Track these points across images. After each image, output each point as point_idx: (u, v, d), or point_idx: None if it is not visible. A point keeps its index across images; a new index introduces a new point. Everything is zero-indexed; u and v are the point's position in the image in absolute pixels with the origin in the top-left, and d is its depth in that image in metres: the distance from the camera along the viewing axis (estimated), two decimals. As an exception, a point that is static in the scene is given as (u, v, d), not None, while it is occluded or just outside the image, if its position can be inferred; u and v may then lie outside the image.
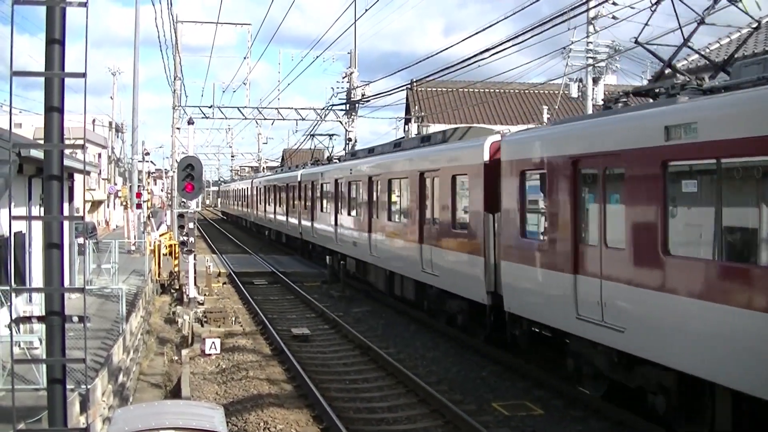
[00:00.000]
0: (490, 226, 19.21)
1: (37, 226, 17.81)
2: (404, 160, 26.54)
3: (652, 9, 17.34)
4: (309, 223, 42.45)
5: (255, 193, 68.47)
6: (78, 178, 25.72)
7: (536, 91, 53.80)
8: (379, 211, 28.98)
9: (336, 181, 36.00)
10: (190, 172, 25.16)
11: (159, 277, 33.78)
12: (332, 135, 50.74)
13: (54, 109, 6.75)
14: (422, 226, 23.97)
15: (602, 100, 15.49)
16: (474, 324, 21.38)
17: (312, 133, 51.78)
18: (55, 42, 6.70)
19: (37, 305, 18.33)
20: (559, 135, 16.71)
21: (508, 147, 18.56)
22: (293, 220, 47.82)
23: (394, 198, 27.75)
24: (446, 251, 22.13)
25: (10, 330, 11.07)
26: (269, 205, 59.06)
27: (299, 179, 45.93)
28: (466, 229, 20.96)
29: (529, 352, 18.79)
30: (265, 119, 55.04)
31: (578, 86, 33.50)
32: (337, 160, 42.76)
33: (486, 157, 19.58)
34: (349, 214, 33.74)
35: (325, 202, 39.03)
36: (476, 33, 36.13)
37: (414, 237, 24.46)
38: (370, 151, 33.35)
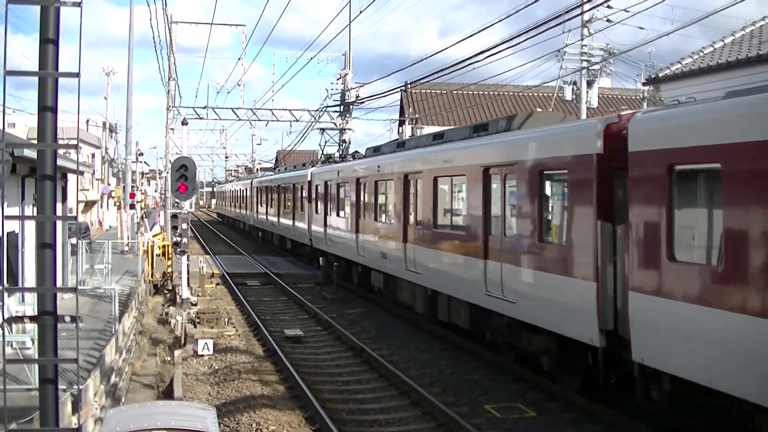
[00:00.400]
0: (606, 241, 14.09)
1: (30, 226, 17.78)
2: (458, 154, 21.30)
3: None
4: (321, 229, 37.06)
5: (255, 194, 63.02)
6: (71, 178, 25.70)
7: (530, 94, 53.82)
8: (419, 217, 23.82)
9: (357, 180, 30.72)
10: (183, 172, 25.16)
11: (152, 277, 33.75)
12: (344, 129, 47.75)
13: (47, 108, 6.73)
14: (487, 236, 18.77)
15: None
16: (563, 367, 16.60)
17: (322, 127, 48.86)
18: (49, 42, 6.69)
19: (29, 305, 18.28)
20: (750, 110, 11.27)
21: (646, 130, 13.21)
22: (301, 225, 42.64)
23: (441, 200, 22.57)
24: (529, 271, 16.82)
25: (2, 330, 11.04)
26: (271, 207, 54.13)
27: (309, 179, 40.38)
28: (563, 244, 15.75)
29: (667, 417, 14.44)
30: (259, 120, 55.04)
31: (572, 89, 33.58)
32: (351, 158, 37.89)
33: (600, 146, 14.40)
34: (376, 219, 28.58)
35: (342, 204, 33.99)
36: (471, 35, 36.25)
37: (474, 249, 19.32)
38: (400, 146, 28.69)
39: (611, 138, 14.16)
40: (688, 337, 11.85)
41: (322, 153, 48.77)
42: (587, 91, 32.85)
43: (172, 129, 50.39)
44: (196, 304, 28.46)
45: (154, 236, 37.66)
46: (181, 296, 27.21)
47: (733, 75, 23.23)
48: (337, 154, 45.76)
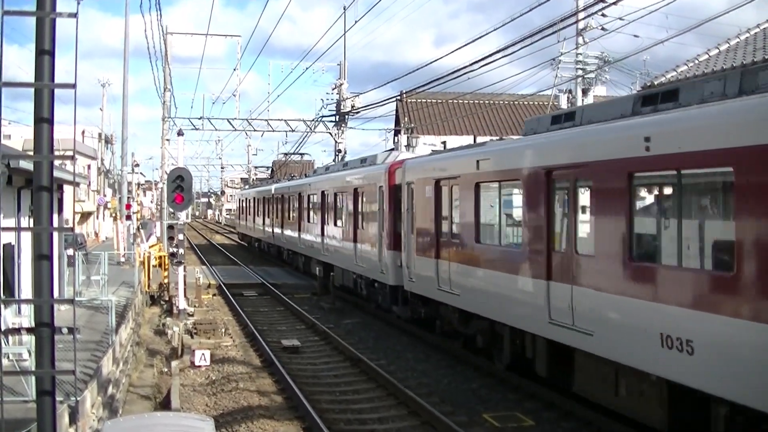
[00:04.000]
0: None
1: (27, 238, 17.77)
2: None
3: None
4: None
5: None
6: (67, 189, 25.65)
7: (526, 102, 53.98)
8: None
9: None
10: (179, 183, 25.15)
11: (148, 288, 33.69)
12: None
13: (44, 120, 6.71)
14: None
15: None
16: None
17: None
18: (44, 53, 6.67)
19: (26, 317, 18.25)
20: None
21: None
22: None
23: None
24: None
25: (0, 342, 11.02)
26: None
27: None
28: None
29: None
30: (254, 131, 55.07)
31: (568, 97, 33.60)
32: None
33: None
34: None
35: None
36: (466, 44, 36.27)
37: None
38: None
39: None
40: None
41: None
42: (583, 100, 32.86)
43: (167, 140, 50.45)
44: (192, 315, 28.42)
45: (150, 247, 37.64)
46: (177, 307, 27.17)
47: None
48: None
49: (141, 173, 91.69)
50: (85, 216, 69.70)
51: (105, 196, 74.40)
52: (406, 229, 24.36)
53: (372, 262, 28.40)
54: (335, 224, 34.42)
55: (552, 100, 36.25)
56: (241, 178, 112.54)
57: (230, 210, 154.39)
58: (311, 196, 40.12)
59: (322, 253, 36.21)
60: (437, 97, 51.96)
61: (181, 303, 27.10)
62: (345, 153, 48.47)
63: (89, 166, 71.22)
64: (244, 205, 71.31)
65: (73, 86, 6.79)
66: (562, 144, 15.58)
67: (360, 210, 30.63)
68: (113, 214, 54.38)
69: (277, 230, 48.97)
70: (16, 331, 14.56)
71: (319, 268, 36.76)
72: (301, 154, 58.82)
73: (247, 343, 25.24)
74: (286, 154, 60.34)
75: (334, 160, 47.55)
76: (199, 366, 21.14)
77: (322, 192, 36.86)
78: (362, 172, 30.93)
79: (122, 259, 41.77)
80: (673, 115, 12.45)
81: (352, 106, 48.24)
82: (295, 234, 43.33)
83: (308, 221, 40.38)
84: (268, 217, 54.01)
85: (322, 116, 50.01)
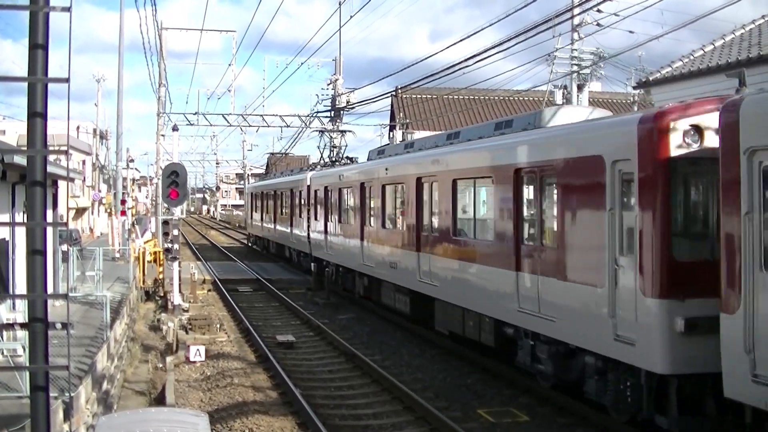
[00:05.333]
0: None
1: (21, 233, 17.73)
2: None
3: None
4: None
5: None
6: (62, 184, 25.62)
7: (521, 98, 53.95)
8: None
9: None
10: (174, 179, 25.12)
11: (143, 284, 33.68)
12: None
13: (37, 114, 6.68)
14: None
15: None
16: None
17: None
18: (38, 47, 6.65)
19: (20, 312, 18.22)
20: None
21: None
22: None
23: None
24: None
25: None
26: None
27: None
28: None
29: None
30: (249, 126, 54.95)
31: (563, 93, 33.60)
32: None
33: None
34: None
35: None
36: (462, 40, 36.39)
37: None
38: None
39: None
40: None
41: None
42: (578, 95, 32.86)
43: (162, 135, 50.31)
44: (187, 311, 28.40)
45: (145, 243, 37.60)
46: (172, 303, 27.15)
47: (724, 78, 23.29)
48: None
49: (136, 169, 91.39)
50: (80, 211, 69.62)
51: (100, 191, 74.38)
52: (745, 260, 10.45)
53: (580, 313, 14.27)
54: (453, 234, 20.38)
55: (547, 96, 36.21)
56: (236, 174, 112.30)
57: (225, 206, 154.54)
58: (390, 189, 26.23)
59: (417, 278, 22.70)
60: (432, 93, 52.00)
61: (176, 298, 27.09)
62: (340, 149, 48.33)
63: (84, 162, 71.16)
64: (260, 200, 57.32)
65: (67, 80, 6.76)
66: None
67: (529, 211, 16.71)
68: (108, 210, 54.34)
69: (317, 236, 36.42)
70: (10, 326, 14.53)
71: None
72: (342, 132, 47.73)
73: (242, 338, 25.22)
74: (322, 131, 47.46)
75: (329, 156, 47.33)
76: (194, 361, 21.12)
77: (418, 180, 22.88)
78: (542, 137, 16.65)
79: (117, 255, 41.71)
80: None
81: (348, 102, 48.17)
82: (356, 242, 29.28)
83: (382, 226, 26.74)
84: (300, 217, 41.23)
85: (317, 112, 49.93)
